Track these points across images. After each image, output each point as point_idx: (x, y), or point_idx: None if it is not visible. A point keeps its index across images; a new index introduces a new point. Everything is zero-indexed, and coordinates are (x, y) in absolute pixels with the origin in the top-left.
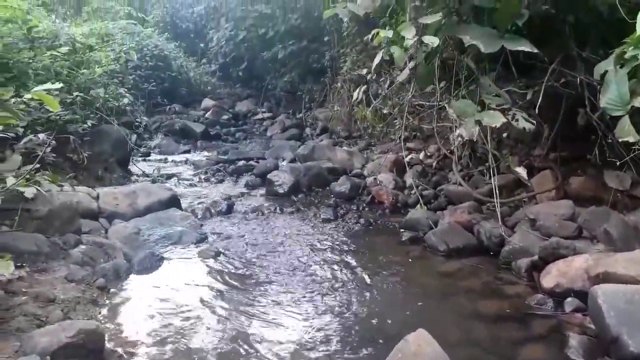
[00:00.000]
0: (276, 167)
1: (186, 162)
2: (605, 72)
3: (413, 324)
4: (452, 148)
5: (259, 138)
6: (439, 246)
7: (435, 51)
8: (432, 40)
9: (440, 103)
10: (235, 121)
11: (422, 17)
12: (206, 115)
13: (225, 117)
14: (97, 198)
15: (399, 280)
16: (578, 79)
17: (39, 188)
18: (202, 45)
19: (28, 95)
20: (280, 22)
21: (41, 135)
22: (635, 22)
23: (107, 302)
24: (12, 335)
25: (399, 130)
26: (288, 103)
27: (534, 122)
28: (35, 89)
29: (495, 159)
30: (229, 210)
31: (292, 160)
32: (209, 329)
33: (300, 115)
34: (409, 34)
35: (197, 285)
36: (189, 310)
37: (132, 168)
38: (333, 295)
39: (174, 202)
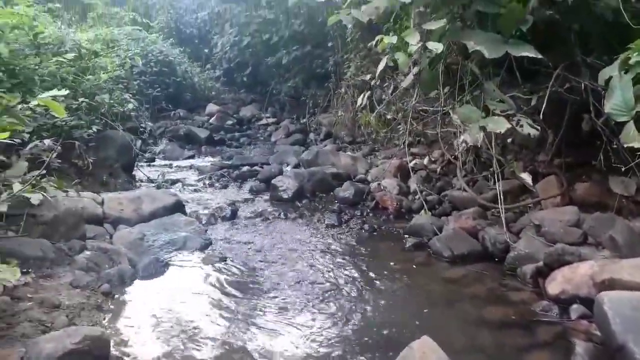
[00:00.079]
0: (280, 173)
1: (191, 167)
2: (610, 77)
3: (417, 330)
4: (456, 153)
5: (263, 143)
6: (443, 252)
7: (439, 57)
8: (436, 46)
9: (444, 108)
10: (240, 126)
11: (426, 23)
12: (210, 121)
13: (229, 122)
14: (102, 203)
15: (403, 287)
16: (582, 85)
17: (44, 194)
18: (206, 50)
19: (34, 102)
20: (284, 28)
21: (47, 141)
22: None
23: (112, 308)
24: (17, 341)
25: (402, 136)
26: (292, 108)
27: (539, 127)
28: (42, 95)
29: (499, 165)
30: (233, 215)
31: (296, 166)
32: (213, 336)
33: (304, 120)
34: (413, 40)
35: (202, 291)
36: (193, 317)
37: (137, 173)
38: (337, 302)
39: (178, 207)
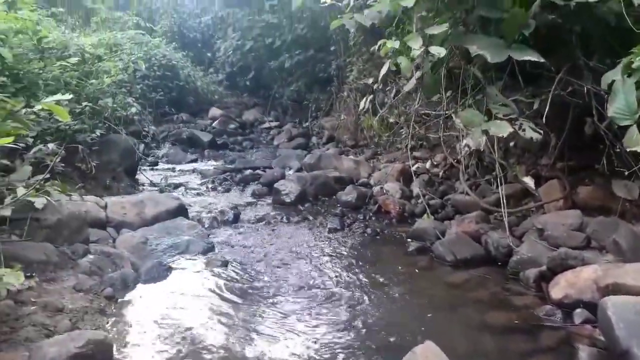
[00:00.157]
0: (283, 176)
1: (193, 171)
2: (613, 81)
3: (420, 335)
4: (459, 157)
5: (266, 147)
6: (446, 256)
7: (442, 61)
8: (438, 51)
9: (446, 112)
10: (242, 130)
11: (428, 28)
12: (213, 125)
13: (232, 126)
14: (105, 207)
15: (406, 291)
16: (585, 88)
17: (48, 198)
18: (209, 54)
19: (38, 106)
20: (287, 32)
21: (50, 145)
22: None
23: (115, 311)
24: (21, 345)
25: (405, 140)
26: (295, 112)
27: (541, 131)
28: (46, 100)
29: (502, 169)
30: (236, 219)
31: (299, 170)
32: (216, 341)
33: (307, 124)
34: (416, 44)
35: (205, 295)
36: (195, 322)
37: (140, 177)
38: (340, 307)
39: (181, 211)
